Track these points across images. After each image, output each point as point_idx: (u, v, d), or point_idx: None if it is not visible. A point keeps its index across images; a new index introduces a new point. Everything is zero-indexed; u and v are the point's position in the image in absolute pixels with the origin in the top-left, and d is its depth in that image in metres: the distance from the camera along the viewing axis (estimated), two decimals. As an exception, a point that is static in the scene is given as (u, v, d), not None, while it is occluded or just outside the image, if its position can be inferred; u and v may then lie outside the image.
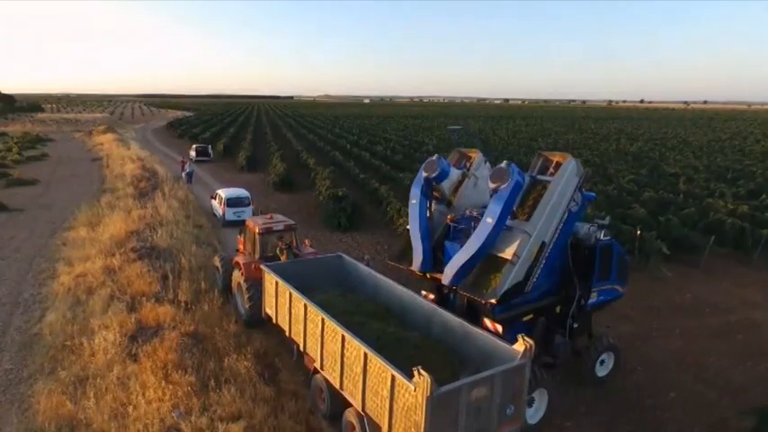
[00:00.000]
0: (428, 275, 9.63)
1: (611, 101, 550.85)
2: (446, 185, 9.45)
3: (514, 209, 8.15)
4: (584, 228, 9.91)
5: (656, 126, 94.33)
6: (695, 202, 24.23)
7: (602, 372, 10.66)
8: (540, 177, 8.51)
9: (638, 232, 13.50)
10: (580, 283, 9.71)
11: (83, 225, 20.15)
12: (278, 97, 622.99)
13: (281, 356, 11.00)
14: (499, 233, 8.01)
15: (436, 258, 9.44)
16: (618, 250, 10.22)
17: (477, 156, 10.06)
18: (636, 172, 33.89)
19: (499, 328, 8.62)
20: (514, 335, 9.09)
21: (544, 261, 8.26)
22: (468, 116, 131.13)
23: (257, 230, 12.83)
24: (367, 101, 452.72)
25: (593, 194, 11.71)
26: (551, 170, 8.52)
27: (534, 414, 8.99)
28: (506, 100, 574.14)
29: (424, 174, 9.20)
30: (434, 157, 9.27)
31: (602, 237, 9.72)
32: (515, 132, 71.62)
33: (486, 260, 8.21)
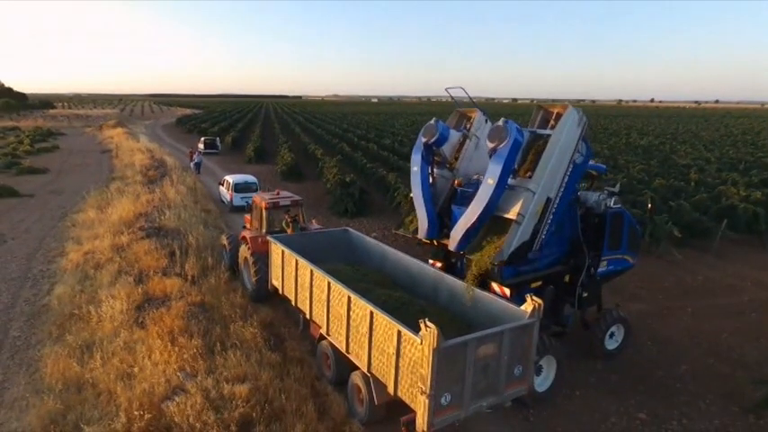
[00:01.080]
0: (435, 242, 9.52)
1: (620, 100, 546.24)
2: (447, 149, 9.18)
3: (516, 167, 7.88)
4: (593, 195, 9.76)
5: (666, 123, 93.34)
6: (707, 190, 23.89)
7: (611, 345, 10.49)
8: (540, 131, 8.17)
9: (650, 205, 13.24)
10: (590, 252, 9.57)
11: (92, 208, 20.29)
12: (286, 97, 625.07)
13: (287, 327, 10.97)
14: (501, 193, 7.76)
15: (443, 224, 9.28)
16: (629, 219, 10.07)
17: (476, 115, 9.60)
18: (646, 163, 33.52)
19: (507, 291, 8.49)
20: (523, 300, 9.04)
21: (551, 217, 7.96)
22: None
23: (264, 205, 12.82)
24: (375, 100, 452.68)
25: (604, 167, 11.59)
26: (552, 122, 8.18)
27: (543, 382, 8.86)
28: (515, 99, 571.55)
29: (423, 139, 8.96)
30: (433, 121, 9.02)
31: (612, 204, 9.58)
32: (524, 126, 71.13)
33: (491, 222, 8.00)
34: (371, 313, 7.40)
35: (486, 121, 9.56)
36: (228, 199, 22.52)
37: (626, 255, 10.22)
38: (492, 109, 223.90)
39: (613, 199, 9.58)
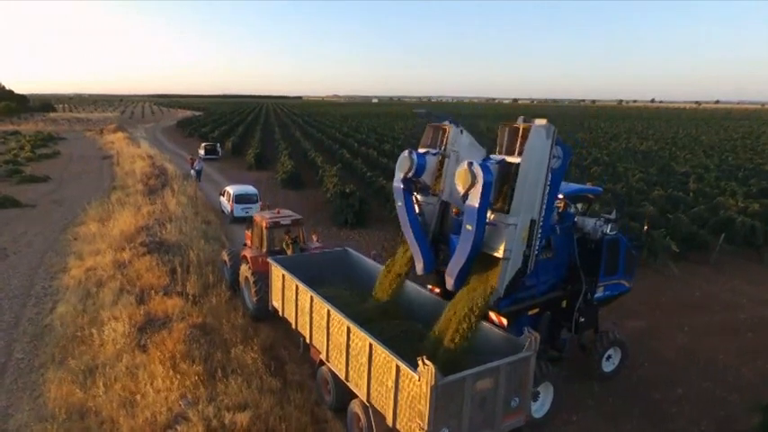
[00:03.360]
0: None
1: (621, 100, 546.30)
2: (427, 176, 8.83)
3: (492, 201, 7.58)
4: (591, 222, 9.88)
5: (666, 126, 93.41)
6: (705, 201, 24.00)
7: (608, 367, 10.61)
8: (509, 160, 7.64)
9: (646, 227, 13.28)
10: (587, 278, 9.68)
11: (93, 220, 20.42)
12: (287, 97, 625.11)
13: (287, 349, 11.09)
14: (483, 232, 7.58)
15: (438, 250, 9.26)
16: (625, 244, 10.17)
17: (450, 129, 9.07)
18: (645, 170, 33.63)
19: (504, 321, 8.60)
20: (520, 328, 9.12)
21: (539, 234, 7.74)
22: (477, 116, 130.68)
23: (265, 224, 12.94)
24: (375, 101, 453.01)
25: (600, 189, 11.69)
26: (520, 141, 7.54)
27: (540, 408, 8.97)
28: (515, 100, 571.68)
29: (401, 174, 8.67)
30: (406, 153, 8.65)
31: (608, 231, 9.68)
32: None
33: (482, 258, 7.87)
34: (371, 345, 7.51)
35: (462, 131, 9.08)
36: (229, 210, 22.63)
37: (622, 279, 10.34)
38: (492, 109, 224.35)
39: (610, 226, 9.69)
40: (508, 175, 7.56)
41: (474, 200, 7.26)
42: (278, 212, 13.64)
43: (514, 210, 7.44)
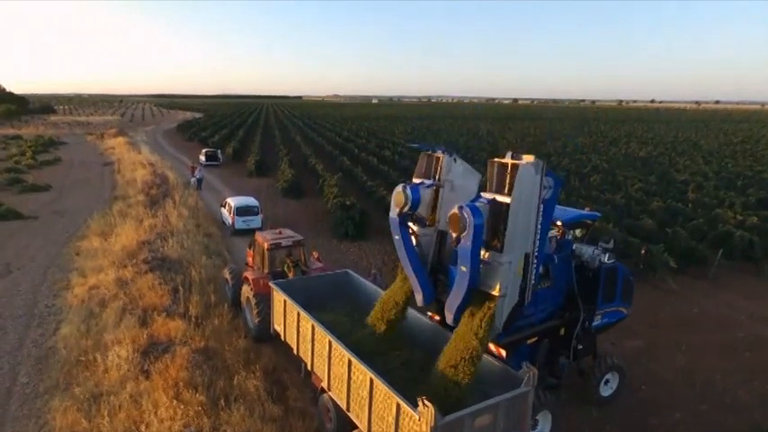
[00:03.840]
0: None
1: (621, 101, 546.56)
2: (422, 209, 8.91)
3: (485, 239, 7.59)
4: (588, 250, 10.00)
5: (666, 129, 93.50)
6: (704, 212, 24.13)
7: (606, 391, 10.74)
8: (499, 199, 7.67)
9: (644, 252, 13.34)
10: (584, 306, 9.80)
11: (95, 234, 20.55)
12: (287, 97, 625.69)
13: (289, 373, 11.20)
14: (478, 272, 7.65)
15: (437, 280, 9.35)
16: (623, 272, 10.30)
17: (443, 158, 9.10)
18: (645, 179, 33.77)
19: (503, 352, 8.72)
20: (519, 358, 9.22)
21: (535, 265, 7.81)
22: (477, 117, 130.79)
23: (266, 246, 13.06)
24: (375, 101, 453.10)
25: (598, 214, 11.79)
26: (509, 179, 7.60)
27: (538, 436, 9.10)
28: (515, 100, 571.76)
29: (396, 209, 8.73)
30: (400, 189, 8.67)
31: (606, 260, 9.80)
32: (524, 136, 71.41)
33: (479, 295, 7.92)
34: (371, 380, 7.63)
35: (455, 159, 9.13)
36: (230, 222, 22.76)
37: (620, 306, 10.47)
38: (492, 109, 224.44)
39: (607, 255, 9.81)
40: (500, 214, 7.61)
41: (467, 242, 7.33)
42: (279, 233, 13.75)
43: (508, 248, 7.50)
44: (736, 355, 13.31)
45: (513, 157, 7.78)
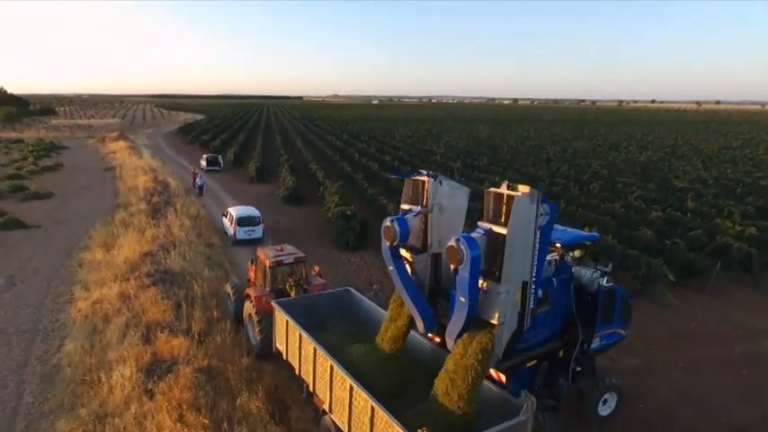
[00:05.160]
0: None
1: (621, 101, 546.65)
2: (413, 238, 8.99)
3: (483, 269, 7.70)
4: (587, 273, 10.12)
5: (666, 131, 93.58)
6: (703, 222, 24.25)
7: (604, 411, 10.87)
8: (496, 230, 7.75)
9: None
10: (583, 328, 9.93)
11: (98, 245, 20.69)
12: (287, 97, 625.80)
13: (291, 391, 11.33)
14: (477, 301, 7.78)
15: (436, 304, 9.46)
16: (621, 295, 10.43)
17: (428, 182, 9.10)
18: (644, 186, 33.90)
19: (503, 377, 8.85)
20: (519, 381, 9.38)
21: (533, 291, 7.93)
22: (477, 119, 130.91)
23: (268, 263, 13.19)
24: (375, 102, 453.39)
25: (596, 235, 11.89)
26: (505, 210, 7.67)
27: (537, 458, 9.22)
28: (515, 100, 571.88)
29: (387, 243, 8.79)
30: (388, 222, 8.73)
31: (604, 283, 9.94)
32: (524, 139, 71.52)
33: (478, 322, 8.06)
34: (373, 408, 7.77)
35: (440, 182, 9.12)
36: (232, 232, 22.89)
37: (618, 328, 10.60)
38: (492, 110, 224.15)
39: (606, 278, 9.94)
40: (497, 244, 7.69)
41: (464, 273, 7.45)
42: (281, 249, 13.87)
43: (505, 278, 7.60)
44: (733, 372, 13.45)
45: (508, 187, 7.87)
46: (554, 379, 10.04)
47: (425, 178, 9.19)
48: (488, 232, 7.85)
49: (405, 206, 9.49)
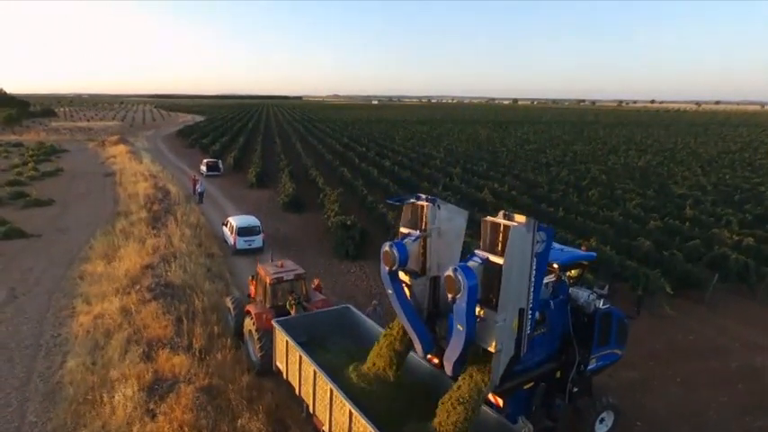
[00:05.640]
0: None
1: (621, 101, 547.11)
2: (412, 263, 9.14)
3: (481, 297, 7.82)
4: (584, 295, 10.23)
5: (665, 134, 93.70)
6: (701, 231, 24.37)
7: (601, 430, 10.97)
8: (492, 260, 7.90)
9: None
10: (580, 349, 10.04)
11: (99, 257, 20.78)
12: (287, 97, 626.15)
13: (291, 410, 11.43)
14: (474, 331, 7.90)
15: (436, 325, 9.56)
16: (617, 316, 10.54)
17: (426, 206, 9.22)
18: (643, 192, 34.02)
19: (500, 401, 8.96)
20: (516, 403, 9.50)
21: (530, 317, 8.04)
22: (476, 121, 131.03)
23: (268, 280, 13.30)
24: (375, 102, 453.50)
25: (594, 254, 11.99)
26: (501, 240, 7.78)
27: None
28: (515, 100, 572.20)
29: (386, 268, 8.93)
30: (387, 248, 8.87)
31: (601, 306, 10.05)
32: (523, 142, 71.61)
33: (475, 349, 8.23)
34: (372, 436, 7.88)
35: (438, 206, 9.27)
36: (232, 242, 23.00)
37: (615, 349, 10.71)
38: (492, 111, 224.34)
39: (602, 301, 10.05)
40: (494, 273, 7.79)
41: (461, 303, 7.57)
42: (281, 266, 13.98)
43: (502, 307, 7.70)
44: (729, 387, 13.55)
45: (505, 217, 8.00)
46: (551, 400, 10.16)
47: (424, 203, 9.36)
48: (485, 261, 8.00)
49: (404, 230, 9.65)
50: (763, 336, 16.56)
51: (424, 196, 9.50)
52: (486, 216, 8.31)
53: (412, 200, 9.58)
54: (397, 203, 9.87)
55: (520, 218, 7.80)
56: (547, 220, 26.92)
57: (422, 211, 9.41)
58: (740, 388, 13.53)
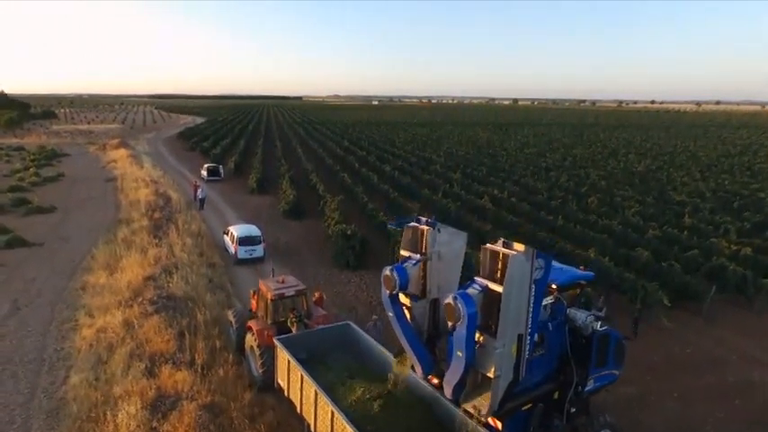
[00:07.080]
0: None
1: (621, 101, 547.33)
2: (412, 286, 9.35)
3: (479, 323, 7.97)
4: (582, 316, 10.34)
5: (665, 136, 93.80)
6: (700, 241, 24.49)
7: (599, 448, 11.09)
8: (492, 287, 8.04)
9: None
10: (578, 370, 10.16)
11: (101, 267, 20.93)
12: (287, 98, 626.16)
13: (292, 428, 11.56)
14: (473, 356, 8.05)
15: (434, 346, 9.69)
16: (615, 337, 10.65)
17: (426, 230, 9.38)
18: (642, 200, 34.14)
19: (499, 424, 9.09)
20: (515, 425, 9.62)
21: (528, 341, 8.17)
22: (476, 123, 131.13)
23: (270, 296, 13.43)
24: (376, 102, 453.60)
25: (592, 274, 12.11)
26: (501, 268, 7.95)
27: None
28: (515, 100, 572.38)
29: (387, 291, 9.09)
30: (388, 272, 9.01)
31: (599, 327, 10.17)
32: (523, 146, 71.73)
33: (474, 373, 8.39)
34: (373, 460, 8.02)
35: (439, 230, 9.41)
36: (233, 251, 23.14)
37: (612, 370, 10.82)
38: (493, 110, 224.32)
39: (600, 323, 10.17)
40: (492, 300, 7.95)
41: (461, 330, 7.73)
42: (282, 281, 14.11)
43: (501, 333, 7.84)
44: (726, 402, 13.68)
45: (504, 245, 8.15)
46: (549, 420, 10.27)
47: (425, 227, 9.54)
48: (485, 288, 8.16)
49: (404, 252, 9.81)
50: (760, 347, 16.70)
51: (424, 219, 9.69)
52: (485, 244, 8.46)
53: (413, 223, 9.79)
54: (398, 227, 10.05)
55: (519, 246, 7.94)
56: (546, 229, 27.07)
57: (422, 235, 9.59)
58: (737, 404, 13.65)
